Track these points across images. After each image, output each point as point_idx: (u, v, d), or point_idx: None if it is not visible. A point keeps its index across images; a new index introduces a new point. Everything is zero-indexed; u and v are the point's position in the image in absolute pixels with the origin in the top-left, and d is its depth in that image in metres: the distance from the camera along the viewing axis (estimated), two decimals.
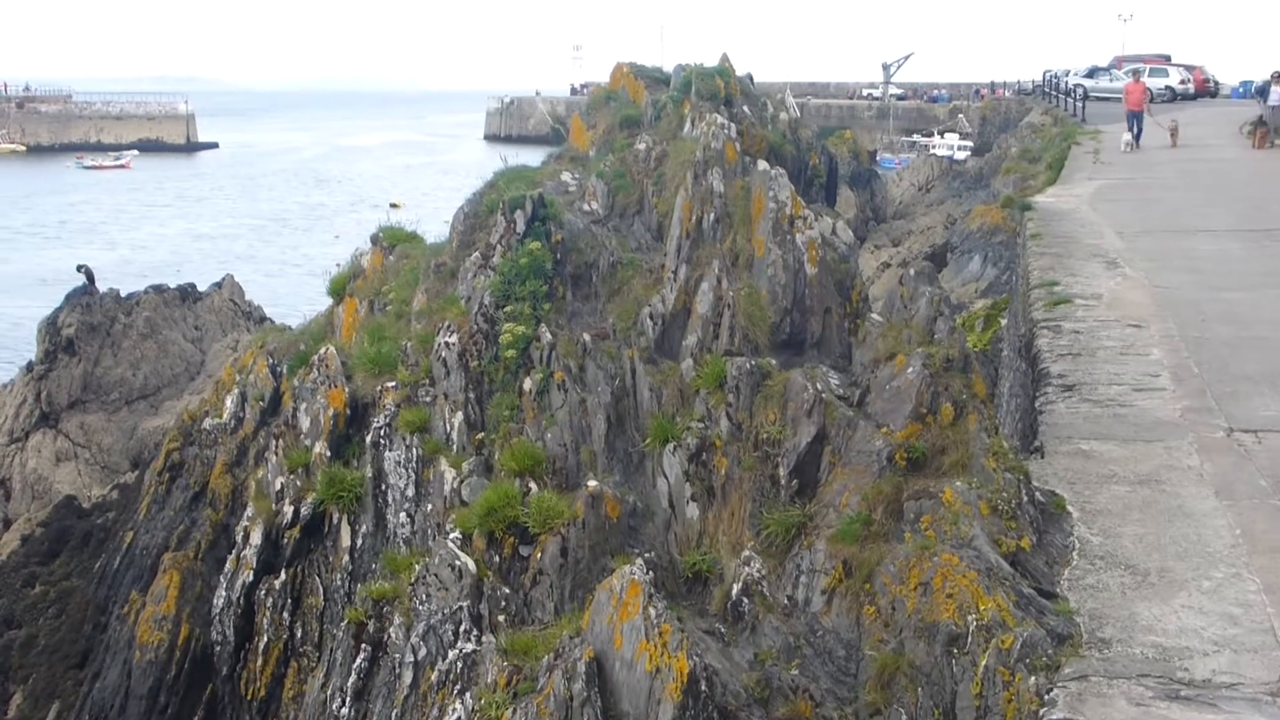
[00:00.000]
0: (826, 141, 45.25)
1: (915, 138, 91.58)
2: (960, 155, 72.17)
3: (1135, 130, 31.20)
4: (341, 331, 19.17)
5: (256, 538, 14.77)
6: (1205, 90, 51.94)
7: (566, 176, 20.17)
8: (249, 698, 13.50)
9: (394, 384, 15.80)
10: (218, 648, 14.05)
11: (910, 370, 11.65)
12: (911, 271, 14.38)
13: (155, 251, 63.75)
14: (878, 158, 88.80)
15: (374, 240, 20.73)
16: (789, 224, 15.66)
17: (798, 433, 12.18)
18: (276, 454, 16.00)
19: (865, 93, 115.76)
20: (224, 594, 14.37)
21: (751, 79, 22.11)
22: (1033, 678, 6.58)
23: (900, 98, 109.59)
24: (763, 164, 16.74)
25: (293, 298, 48.03)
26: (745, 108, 20.09)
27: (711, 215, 16.42)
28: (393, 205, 76.03)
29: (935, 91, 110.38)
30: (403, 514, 14.38)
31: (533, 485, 13.25)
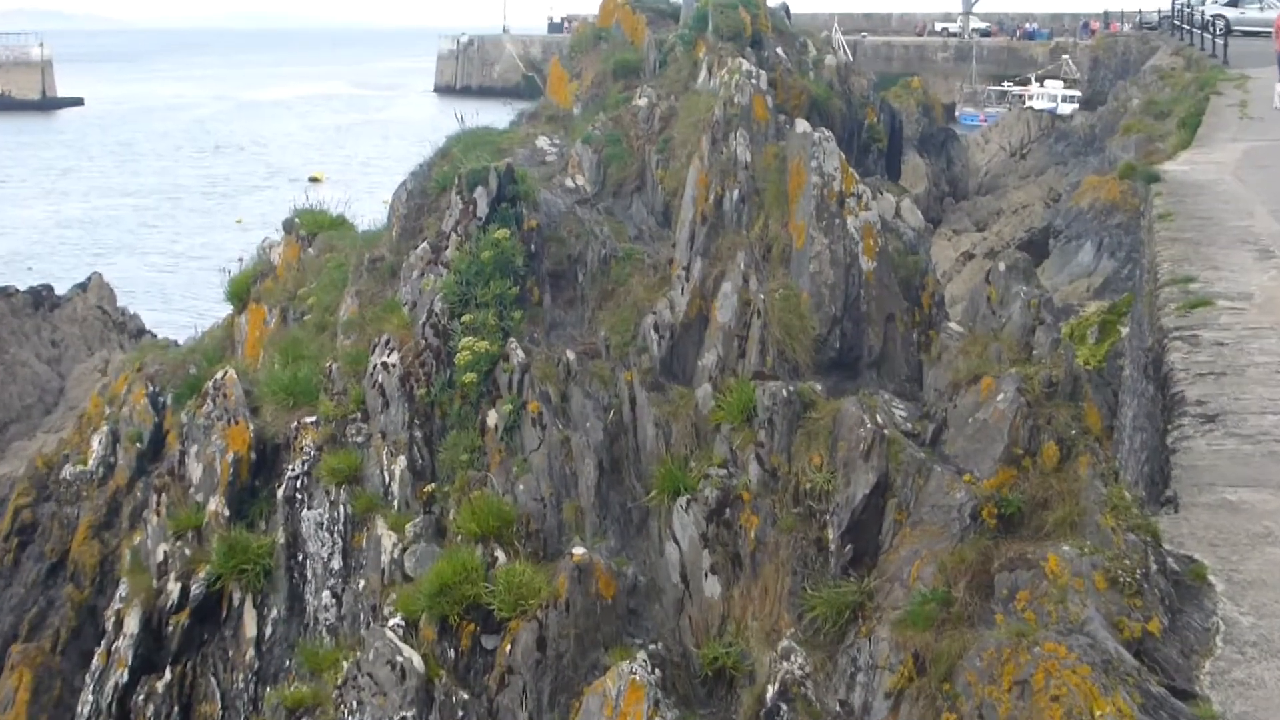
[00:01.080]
0: (887, 93, 45.50)
1: (1005, 86, 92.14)
2: (1065, 109, 72.62)
3: None
4: (245, 349, 19.23)
5: (133, 625, 14.73)
6: None
7: (543, 142, 20.28)
8: None
9: (314, 419, 15.83)
10: None
11: (1001, 397, 11.63)
12: (1002, 266, 14.40)
13: None
14: (956, 113, 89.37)
15: (288, 227, 20.85)
16: (838, 204, 15.73)
17: (852, 482, 12.16)
18: (158, 513, 15.97)
19: (939, 27, 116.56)
20: (90, 699, 14.32)
21: (788, 10, 22.37)
22: None
23: (984, 33, 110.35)
24: (803, 124, 16.85)
25: (182, 303, 48.20)
26: (779, 49, 20.30)
27: (735, 193, 16.52)
28: (313, 179, 76.35)
29: (1030, 25, 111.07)
30: (326, 593, 14.34)
31: (499, 554, 13.23)
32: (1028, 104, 75.70)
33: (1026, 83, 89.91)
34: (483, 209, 16.28)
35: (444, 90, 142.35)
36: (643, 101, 19.49)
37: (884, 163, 21.59)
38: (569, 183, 18.48)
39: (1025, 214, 45.32)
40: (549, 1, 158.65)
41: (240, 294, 20.19)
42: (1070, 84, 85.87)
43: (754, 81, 17.94)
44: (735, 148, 17.00)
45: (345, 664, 12.25)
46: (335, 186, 71.65)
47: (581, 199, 18.25)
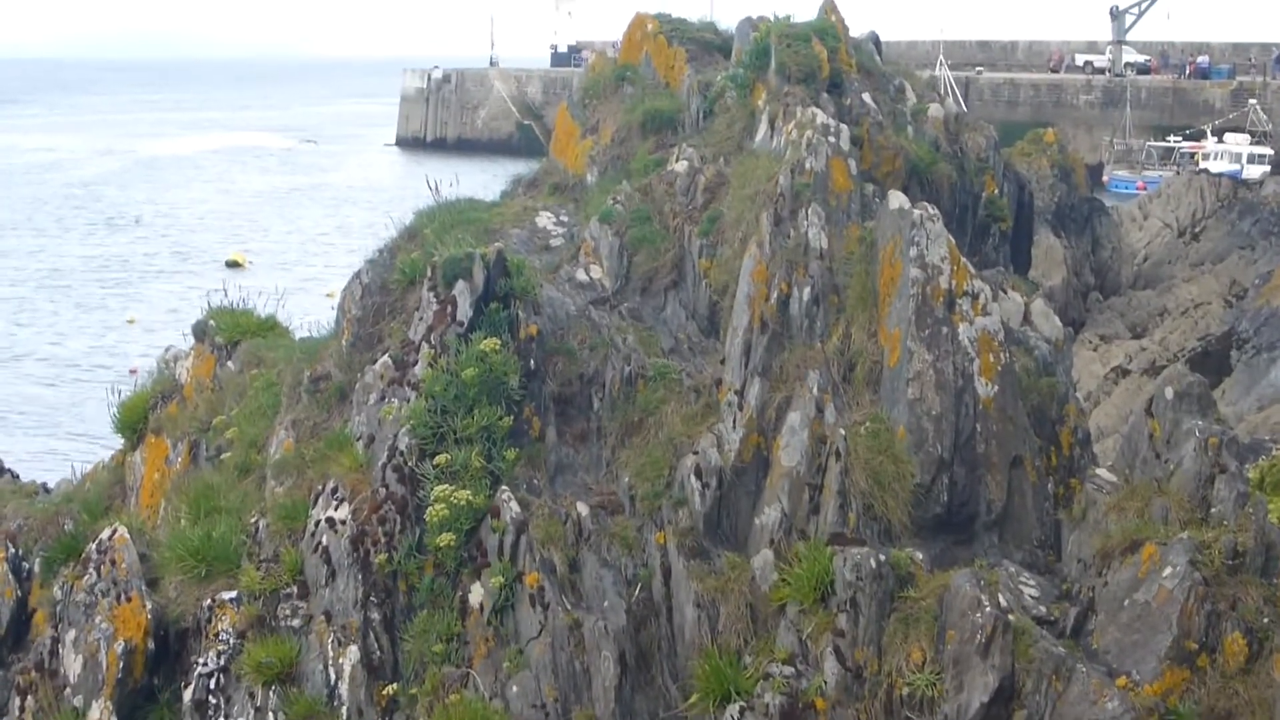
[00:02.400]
0: (1012, 150, 45.74)
1: (1171, 141, 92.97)
2: (1251, 172, 72.97)
3: None
4: (140, 497, 19.39)
5: None
6: None
7: (546, 220, 20.52)
8: None
9: (234, 595, 15.86)
10: None
11: (1168, 573, 11.68)
12: (1168, 392, 14.50)
13: None
14: (1105, 177, 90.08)
15: (199, 332, 21.15)
16: (945, 306, 15.88)
17: (965, 686, 12.14)
18: None
19: (1080, 60, 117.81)
20: None
21: (878, 42, 22.75)
22: None
23: (1142, 70, 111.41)
24: (898, 197, 17.10)
25: (58, 431, 48.59)
26: (866, 95, 20.59)
27: (806, 290, 16.67)
28: (233, 264, 77.44)
29: (1203, 59, 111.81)
30: None
31: None
32: (1201, 165, 76.16)
33: (1200, 137, 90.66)
34: (464, 310, 16.49)
35: (410, 143, 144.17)
36: (681, 165, 19.72)
37: (1008, 248, 21.72)
38: (581, 275, 18.68)
39: (1199, 316, 45.51)
40: (551, 23, 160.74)
41: (134, 423, 20.34)
42: (1259, 139, 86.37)
43: (832, 139, 18.13)
44: (806, 229, 17.16)
45: None
46: (264, 274, 72.53)
47: (598, 297, 18.45)
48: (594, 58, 25.53)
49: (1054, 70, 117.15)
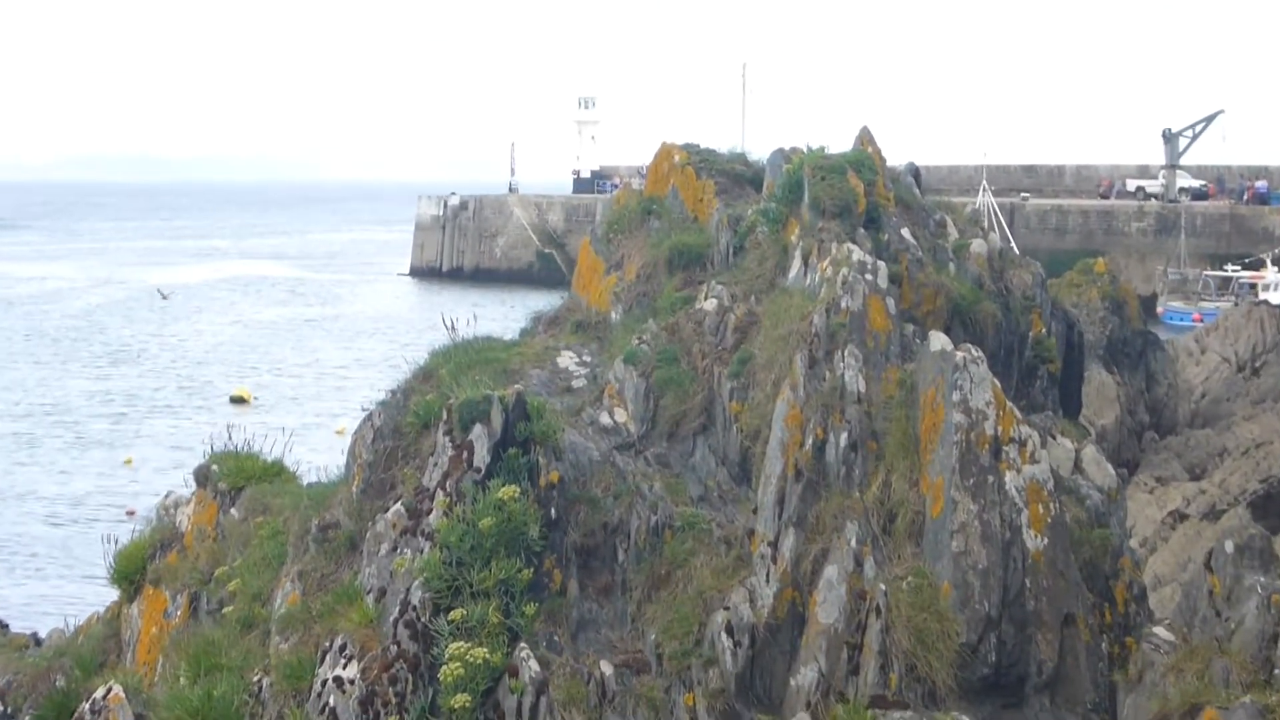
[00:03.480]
0: (1060, 282, 45.83)
1: (1229, 270, 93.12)
2: None
3: None
4: (137, 653, 19.33)
5: None
6: None
7: (568, 360, 20.73)
8: None
9: None
10: None
11: None
12: (1228, 544, 14.39)
13: None
14: (1159, 308, 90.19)
15: (200, 476, 21.19)
16: (991, 454, 15.87)
17: None
18: None
19: (1132, 185, 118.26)
20: None
21: (917, 174, 22.93)
22: None
23: (1198, 195, 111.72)
24: (939, 338, 17.16)
25: (50, 577, 48.53)
26: (905, 231, 20.76)
27: (843, 436, 16.73)
28: (237, 400, 77.80)
29: (1261, 183, 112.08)
30: None
31: None
32: (1261, 296, 76.33)
33: (1259, 265, 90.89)
34: (482, 456, 16.51)
35: (425, 273, 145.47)
36: (710, 304, 19.93)
37: (1057, 391, 21.70)
38: (605, 419, 18.80)
39: (1260, 456, 45.23)
40: (573, 148, 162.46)
41: (131, 573, 20.33)
42: None
43: (869, 276, 18.32)
44: (843, 372, 17.26)
45: None
46: (272, 410, 72.99)
47: (623, 442, 18.54)
48: (619, 193, 25.92)
49: (1104, 196, 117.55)
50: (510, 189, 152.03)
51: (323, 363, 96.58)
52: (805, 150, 21.91)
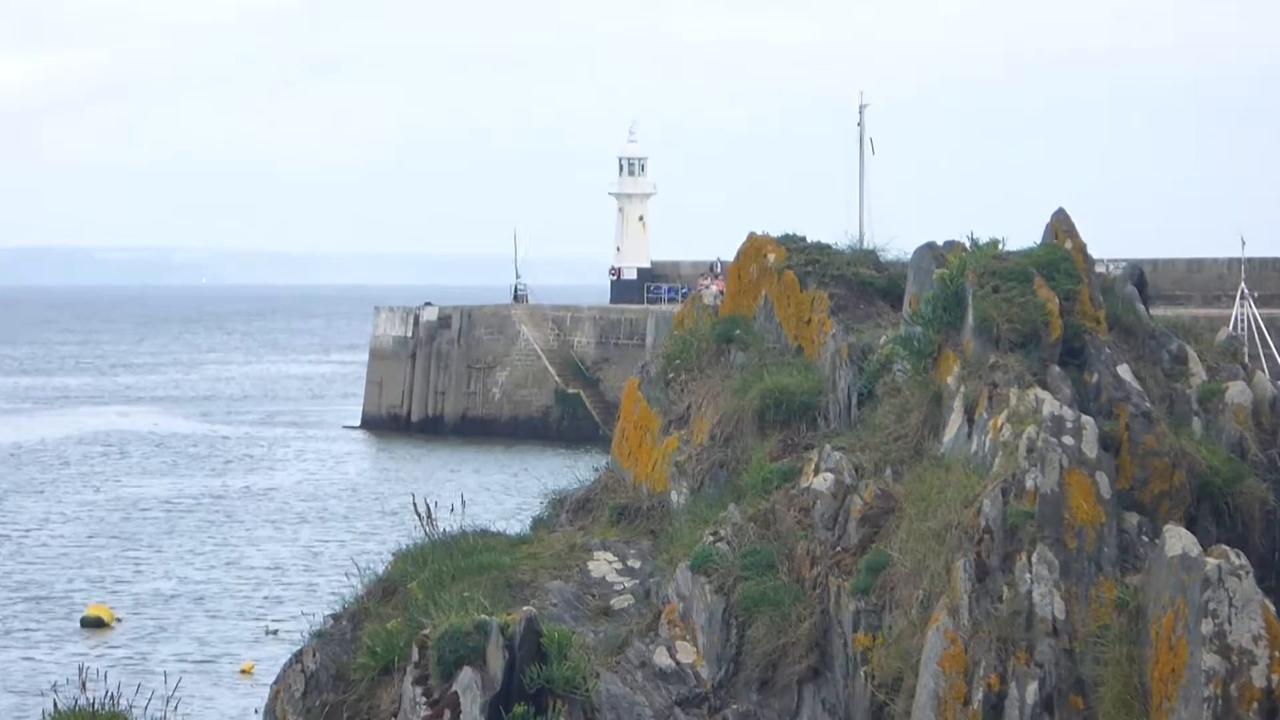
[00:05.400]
0: None
1: None
2: None
3: None
4: None
5: None
6: None
7: (605, 564, 20.85)
8: None
9: None
10: None
11: None
12: None
13: None
14: None
15: None
16: (1265, 716, 15.65)
17: None
18: None
19: None
20: None
21: (1141, 281, 22.73)
22: None
23: None
24: (1179, 536, 16.96)
25: None
26: (1124, 369, 20.59)
27: (1031, 688, 16.61)
28: (92, 621, 77.27)
29: None
30: None
31: None
32: None
33: None
34: (473, 718, 16.53)
35: (384, 424, 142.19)
36: (824, 480, 19.90)
37: None
38: (663, 658, 18.73)
39: None
40: (613, 231, 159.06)
41: None
42: None
43: (1069, 440, 18.30)
44: (1029, 587, 17.26)
45: None
46: (143, 641, 72.28)
47: (690, 694, 18.47)
48: (683, 310, 25.65)
49: None
50: (516, 295, 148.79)
51: (229, 563, 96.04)
52: (968, 245, 21.91)
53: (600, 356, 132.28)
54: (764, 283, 23.75)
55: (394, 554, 20.35)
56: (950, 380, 20.31)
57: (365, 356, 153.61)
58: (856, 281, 23.30)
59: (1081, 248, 21.59)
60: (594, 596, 20.14)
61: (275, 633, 43.61)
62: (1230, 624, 15.92)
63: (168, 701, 21.65)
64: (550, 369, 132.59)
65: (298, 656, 18.57)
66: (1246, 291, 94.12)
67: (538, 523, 22.69)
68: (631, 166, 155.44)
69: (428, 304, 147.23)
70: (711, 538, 19.65)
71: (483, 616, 17.17)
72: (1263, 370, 23.82)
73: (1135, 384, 20.50)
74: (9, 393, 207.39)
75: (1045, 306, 20.25)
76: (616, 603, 20.03)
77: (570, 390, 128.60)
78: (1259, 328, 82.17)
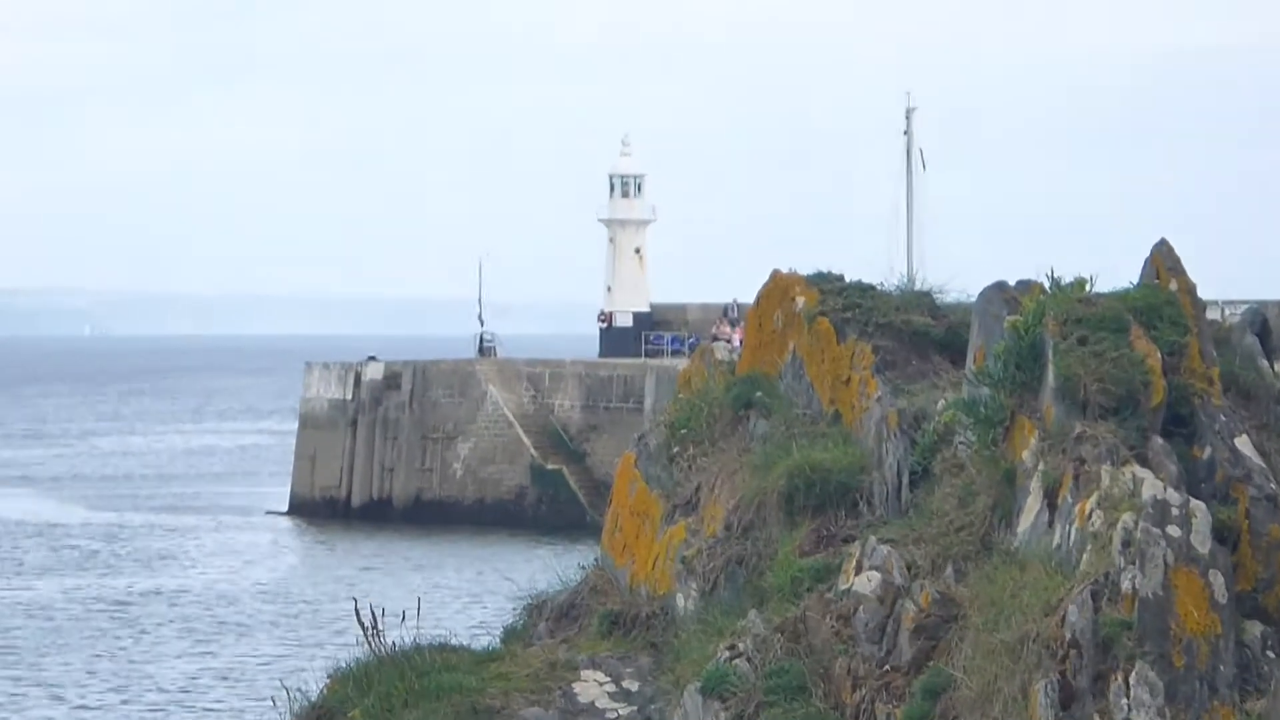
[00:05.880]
0: None
1: None
2: None
3: None
4: None
5: None
6: None
7: (595, 685, 20.48)
8: None
9: None
10: None
11: None
12: None
13: None
14: None
15: None
16: None
17: None
18: None
19: None
20: None
21: (1264, 328, 22.34)
22: None
23: None
24: None
25: None
26: (1243, 441, 20.29)
27: None
28: None
29: None
30: None
31: None
32: None
33: None
34: None
35: (317, 510, 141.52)
36: (868, 581, 19.55)
37: None
38: None
39: None
40: (602, 267, 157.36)
41: None
42: None
43: (1175, 530, 17.97)
44: (1126, 714, 17.18)
45: None
46: None
47: None
48: (689, 366, 25.47)
49: None
50: (482, 347, 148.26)
51: (128, 686, 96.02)
52: (1047, 285, 21.62)
53: (587, 424, 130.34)
54: (791, 333, 23.46)
55: (331, 674, 20.01)
56: (1026, 455, 20.00)
57: (295, 425, 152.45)
58: (907, 331, 22.99)
59: (1190, 288, 21.24)
60: None
61: None
62: None
63: None
64: (525, 439, 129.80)
65: None
66: None
67: (510, 634, 22.34)
68: (625, 186, 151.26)
69: (371, 358, 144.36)
70: (728, 653, 19.40)
71: None
72: None
73: (1258, 459, 20.11)
74: None
75: (1145, 363, 19.99)
76: None
77: (550, 466, 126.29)
78: None
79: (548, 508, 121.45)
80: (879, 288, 23.83)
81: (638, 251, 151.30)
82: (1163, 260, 21.31)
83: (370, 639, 20.36)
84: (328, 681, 19.92)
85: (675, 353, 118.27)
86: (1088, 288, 21.01)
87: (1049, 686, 17.30)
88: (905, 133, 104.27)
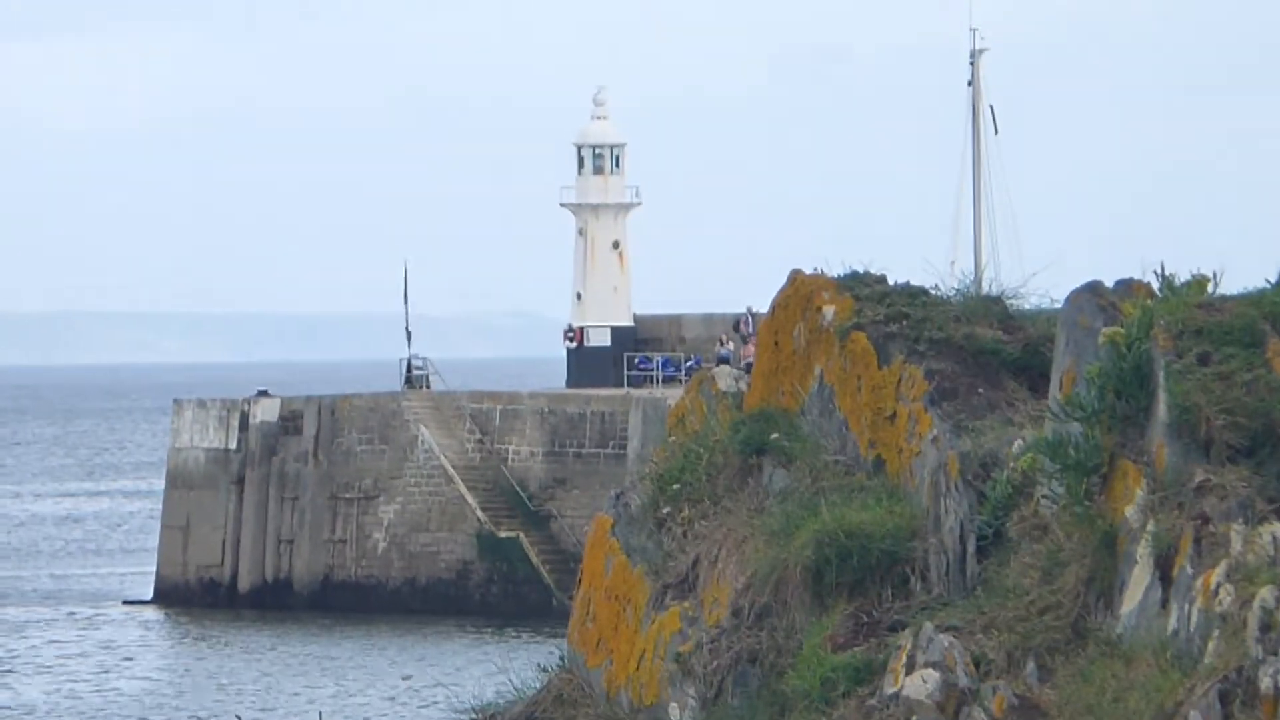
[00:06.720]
0: None
1: None
2: None
3: None
4: None
5: None
6: None
7: None
8: None
9: None
10: None
11: None
12: None
13: None
14: None
15: None
16: None
17: None
18: None
19: None
20: None
21: None
22: None
23: None
24: None
25: None
26: None
27: None
28: None
29: None
30: None
31: None
32: None
33: None
34: None
35: (191, 596, 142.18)
36: (923, 682, 19.52)
37: None
38: None
39: None
40: (570, 269, 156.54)
41: None
42: None
43: None
44: None
45: None
46: None
47: None
48: (684, 391, 25.67)
49: None
50: (409, 377, 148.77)
51: None
52: (1156, 286, 21.65)
53: (552, 477, 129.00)
54: (818, 352, 23.40)
55: None
56: (1130, 512, 19.91)
57: (160, 484, 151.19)
58: (971, 349, 22.87)
59: None
60: None
61: None
62: None
63: None
64: (469, 499, 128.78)
65: None
66: None
67: None
68: (599, 160, 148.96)
69: (262, 393, 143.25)
70: None
71: None
72: None
73: None
74: None
75: None
76: None
77: (503, 534, 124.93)
78: None
79: (499, 589, 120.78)
80: (933, 292, 23.83)
81: (616, 246, 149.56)
82: None
83: None
84: None
85: (667, 379, 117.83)
86: (1210, 288, 21.03)
87: None
88: (969, 83, 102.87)
